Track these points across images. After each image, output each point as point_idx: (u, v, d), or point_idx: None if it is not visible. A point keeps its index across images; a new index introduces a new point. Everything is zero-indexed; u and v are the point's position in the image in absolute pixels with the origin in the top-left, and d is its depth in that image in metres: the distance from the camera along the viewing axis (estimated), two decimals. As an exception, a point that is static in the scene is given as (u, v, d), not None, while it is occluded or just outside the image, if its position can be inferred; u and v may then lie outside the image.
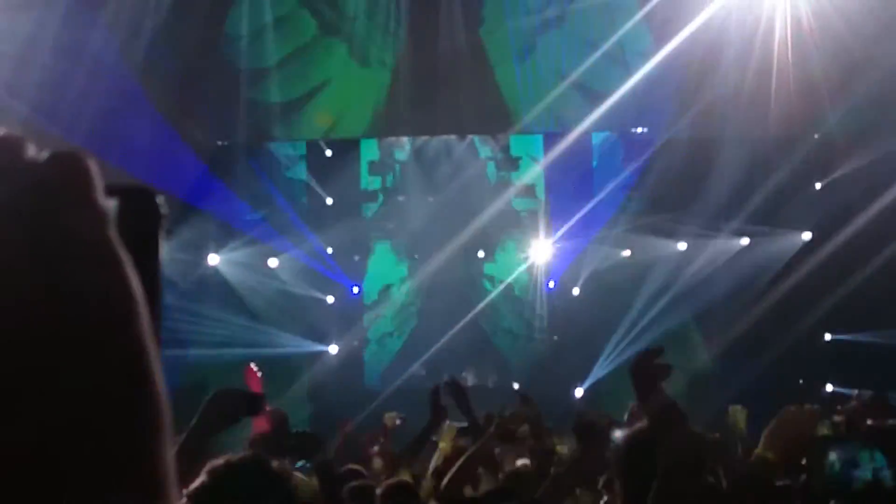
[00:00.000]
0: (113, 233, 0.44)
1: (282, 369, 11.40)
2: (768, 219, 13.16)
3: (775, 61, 12.08)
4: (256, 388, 7.47)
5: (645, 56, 12.32)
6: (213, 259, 12.40)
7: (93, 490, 0.41)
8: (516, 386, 12.44)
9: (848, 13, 11.38)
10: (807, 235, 13.08)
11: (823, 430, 4.02)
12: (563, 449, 5.01)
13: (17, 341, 0.40)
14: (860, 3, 11.33)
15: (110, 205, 0.45)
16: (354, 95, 12.58)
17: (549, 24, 12.84)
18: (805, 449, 2.75)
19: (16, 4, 10.69)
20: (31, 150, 0.45)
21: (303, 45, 12.41)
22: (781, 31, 12.01)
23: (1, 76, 10.64)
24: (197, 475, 2.41)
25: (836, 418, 4.40)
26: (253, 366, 7.20)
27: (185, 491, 2.36)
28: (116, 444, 0.41)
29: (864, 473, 2.44)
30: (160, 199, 0.50)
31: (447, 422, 5.20)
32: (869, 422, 3.36)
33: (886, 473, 2.39)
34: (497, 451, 4.87)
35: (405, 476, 4.74)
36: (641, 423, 2.71)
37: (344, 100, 12.60)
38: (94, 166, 0.45)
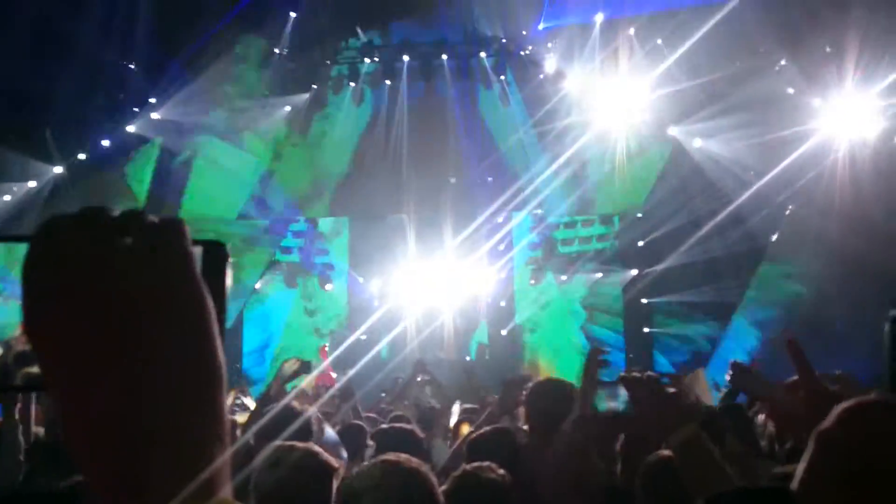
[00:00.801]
0: (196, 269, 0.66)
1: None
2: (612, 262, 18.62)
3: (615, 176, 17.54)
4: (324, 356, 13.34)
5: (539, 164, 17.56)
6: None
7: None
8: (467, 358, 17.56)
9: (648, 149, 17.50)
10: (633, 271, 18.43)
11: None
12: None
13: (138, 324, 0.62)
14: (659, 146, 18.22)
15: (197, 250, 0.67)
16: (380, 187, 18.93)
17: (486, 148, 18.73)
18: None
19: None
20: (148, 216, 0.66)
21: (347, 157, 19.49)
22: (620, 162, 17.26)
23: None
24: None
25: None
26: (325, 345, 13.08)
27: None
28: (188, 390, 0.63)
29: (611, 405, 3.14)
30: (227, 248, 0.72)
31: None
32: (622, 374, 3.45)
33: (623, 406, 3.05)
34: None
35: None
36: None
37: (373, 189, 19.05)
38: (186, 226, 0.66)
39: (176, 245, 0.65)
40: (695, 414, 2.87)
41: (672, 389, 2.56)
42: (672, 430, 2.33)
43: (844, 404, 1.48)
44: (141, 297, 0.62)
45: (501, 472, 2.89)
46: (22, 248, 0.65)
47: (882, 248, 13.69)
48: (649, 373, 2.72)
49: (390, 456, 2.50)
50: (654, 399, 2.48)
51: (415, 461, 2.47)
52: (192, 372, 0.63)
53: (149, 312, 0.62)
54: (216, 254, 0.70)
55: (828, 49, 15.50)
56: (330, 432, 4.28)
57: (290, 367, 4.65)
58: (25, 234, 0.66)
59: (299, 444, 2.85)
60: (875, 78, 14.04)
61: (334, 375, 9.48)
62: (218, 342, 0.64)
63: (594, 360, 3.41)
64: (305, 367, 4.75)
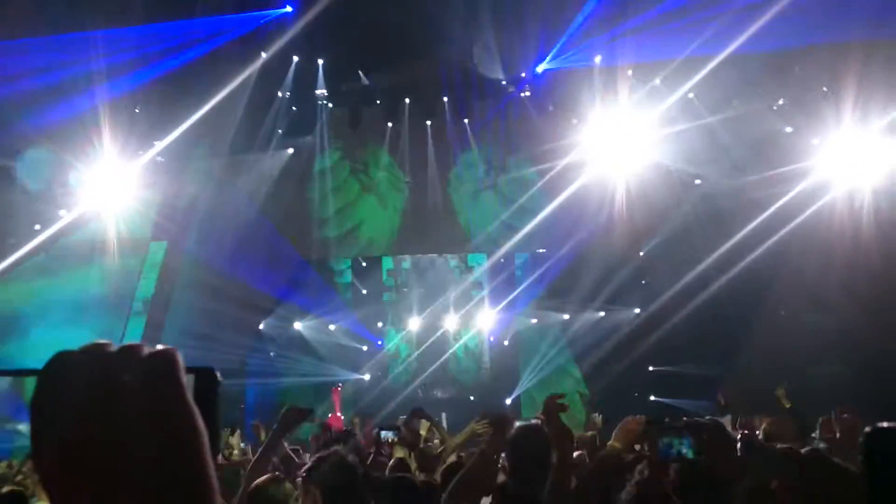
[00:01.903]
0: (188, 394, 0.71)
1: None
2: (613, 301, 18.62)
3: (617, 213, 17.32)
4: (336, 397, 13.42)
5: (541, 206, 17.49)
6: (297, 325, 19.03)
7: None
8: (472, 398, 18.24)
9: (651, 190, 17.06)
10: (637, 310, 18.74)
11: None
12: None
13: (138, 450, 0.67)
14: (658, 183, 17.02)
15: (188, 378, 0.72)
16: (380, 227, 19.27)
17: (488, 187, 19.34)
18: (639, 438, 3.32)
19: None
20: (145, 350, 0.72)
21: (350, 199, 19.24)
22: (618, 200, 17.15)
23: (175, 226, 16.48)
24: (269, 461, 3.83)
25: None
26: (338, 386, 13.00)
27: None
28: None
29: (679, 450, 3.13)
30: (217, 375, 0.76)
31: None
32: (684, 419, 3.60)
33: (688, 451, 3.09)
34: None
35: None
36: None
37: (373, 230, 19.31)
38: (178, 357, 0.72)
39: (169, 378, 0.71)
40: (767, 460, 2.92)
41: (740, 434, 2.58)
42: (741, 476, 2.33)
43: None
44: (139, 428, 0.68)
45: None
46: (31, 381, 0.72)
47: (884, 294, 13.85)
48: (715, 419, 2.73)
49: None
50: (723, 445, 2.48)
51: None
52: (187, 494, 0.69)
53: (147, 442, 0.68)
54: (207, 380, 0.76)
55: (825, 89, 15.68)
56: None
57: (291, 416, 4.63)
58: (34, 369, 0.72)
59: None
60: (873, 117, 14.12)
61: (342, 417, 9.90)
62: (210, 465, 0.70)
63: (552, 407, 3.51)
64: (306, 415, 4.73)
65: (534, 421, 3.83)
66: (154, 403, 0.69)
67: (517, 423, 3.85)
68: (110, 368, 0.70)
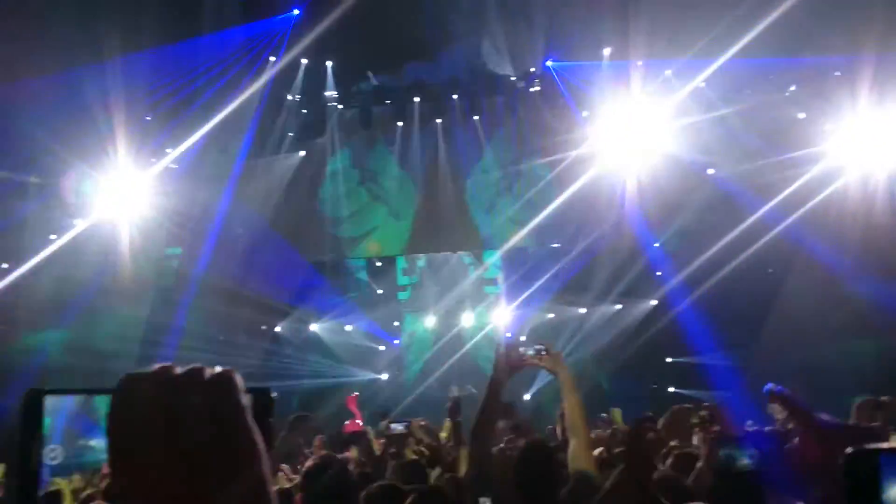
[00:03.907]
0: (248, 414, 0.77)
1: (354, 387, 16.48)
2: (630, 294, 18.66)
3: (627, 211, 17.30)
4: (353, 405, 13.39)
5: (552, 198, 17.40)
6: (314, 327, 19.08)
7: None
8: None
9: (663, 181, 16.78)
10: (653, 302, 18.63)
11: (694, 418, 4.92)
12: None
13: (204, 469, 0.73)
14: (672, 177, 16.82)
15: (247, 398, 0.78)
16: (391, 234, 19.33)
17: (501, 191, 19.22)
18: (688, 431, 3.56)
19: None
20: (207, 373, 0.77)
21: (360, 207, 19.24)
22: (631, 193, 17.12)
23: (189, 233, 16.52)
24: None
25: (702, 413, 5.00)
26: (354, 394, 12.25)
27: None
28: None
29: (739, 460, 3.12)
30: (273, 395, 0.83)
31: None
32: (716, 427, 3.97)
33: (747, 462, 3.07)
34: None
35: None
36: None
37: (385, 237, 19.36)
38: (238, 378, 0.77)
39: (230, 400, 0.78)
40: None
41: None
42: None
43: None
44: (206, 447, 0.74)
45: None
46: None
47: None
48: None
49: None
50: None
51: None
52: None
53: (213, 460, 0.74)
54: (263, 399, 0.83)
55: (837, 73, 15.57)
56: None
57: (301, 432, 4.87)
58: (106, 389, 0.79)
59: None
60: (886, 102, 14.02)
61: (360, 423, 9.91)
62: (269, 481, 0.77)
63: (454, 409, 3.68)
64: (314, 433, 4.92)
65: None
66: (219, 425, 0.76)
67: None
68: (177, 392, 0.76)
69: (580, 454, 3.67)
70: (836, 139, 15.24)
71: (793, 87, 16.44)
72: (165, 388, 0.76)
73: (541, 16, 15.65)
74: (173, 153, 14.68)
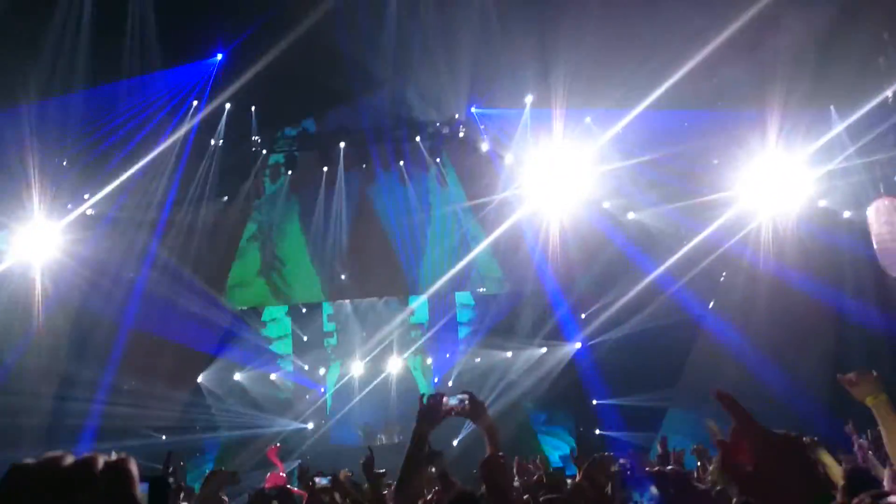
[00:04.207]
0: None
1: (278, 437, 16.97)
2: (554, 336, 18.86)
3: (549, 251, 17.30)
4: (273, 456, 13.22)
5: (476, 243, 17.90)
6: (238, 376, 18.62)
7: None
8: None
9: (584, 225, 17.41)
10: (577, 345, 18.88)
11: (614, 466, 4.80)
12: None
13: None
14: (591, 219, 17.58)
15: (142, 489, 0.78)
16: (319, 277, 19.17)
17: (426, 236, 19.10)
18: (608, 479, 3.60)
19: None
20: (100, 463, 0.76)
21: (283, 254, 19.14)
22: (553, 237, 17.12)
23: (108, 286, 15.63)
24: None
25: (622, 461, 4.86)
26: (275, 445, 12.44)
27: None
28: None
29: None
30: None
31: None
32: (647, 469, 3.92)
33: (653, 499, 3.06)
34: None
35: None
36: None
37: (308, 283, 19.26)
38: (133, 468, 0.76)
39: (123, 493, 0.75)
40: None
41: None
42: None
43: None
44: None
45: None
46: None
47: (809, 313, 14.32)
48: (676, 468, 2.74)
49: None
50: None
51: None
52: None
53: None
54: (160, 487, 0.83)
55: (748, 118, 16.22)
56: None
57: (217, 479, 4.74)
58: None
59: None
60: (796, 145, 14.67)
61: (284, 475, 9.73)
62: None
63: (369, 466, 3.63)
64: (230, 480, 4.86)
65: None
66: None
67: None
68: (66, 489, 0.72)
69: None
70: (747, 184, 15.82)
71: (707, 136, 17.03)
72: (53, 484, 0.71)
73: (465, 63, 15.86)
74: (91, 200, 14.25)
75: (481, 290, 19.38)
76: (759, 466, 1.32)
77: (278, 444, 14.45)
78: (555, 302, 18.62)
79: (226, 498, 5.82)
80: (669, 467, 2.81)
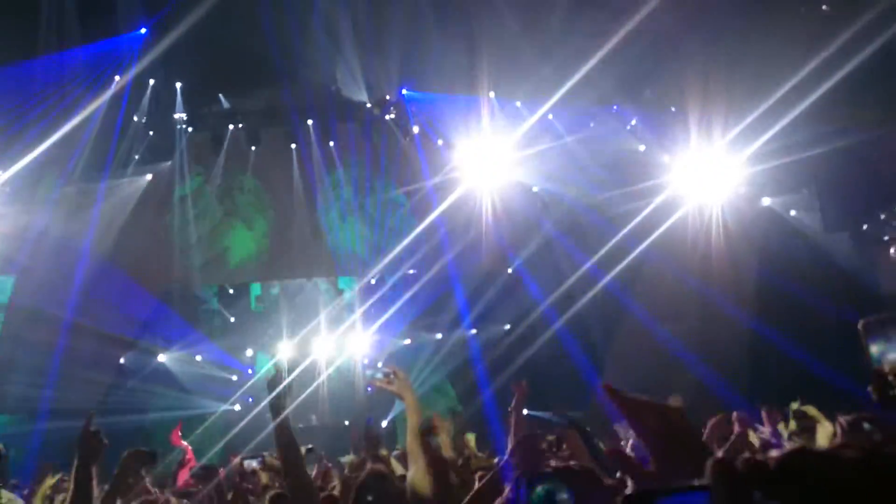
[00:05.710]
0: None
1: (204, 420, 16.92)
2: (484, 319, 18.96)
3: (484, 233, 17.93)
4: (176, 438, 13.06)
5: (407, 225, 18.24)
6: (162, 357, 18.24)
7: None
8: (346, 423, 17.71)
9: (515, 208, 18.01)
10: (507, 326, 19.19)
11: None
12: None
13: None
14: (522, 202, 18.28)
15: None
16: (245, 255, 18.81)
17: (356, 218, 19.03)
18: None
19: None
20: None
21: (212, 228, 18.60)
22: (486, 217, 17.67)
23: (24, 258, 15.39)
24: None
25: (549, 438, 5.35)
26: (178, 426, 12.65)
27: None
28: None
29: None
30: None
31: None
32: (553, 463, 3.68)
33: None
34: None
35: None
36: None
37: (239, 258, 18.81)
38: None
39: None
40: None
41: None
42: None
43: None
44: None
45: None
46: None
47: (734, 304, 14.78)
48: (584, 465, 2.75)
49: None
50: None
51: None
52: None
53: None
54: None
55: (673, 109, 16.60)
56: None
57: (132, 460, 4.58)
58: None
59: None
60: (717, 136, 15.02)
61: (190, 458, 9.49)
62: None
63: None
64: (147, 460, 4.64)
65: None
66: None
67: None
68: None
69: (419, 480, 3.68)
70: (674, 171, 16.16)
71: (634, 121, 17.35)
72: None
73: (396, 45, 15.81)
74: (3, 175, 13.76)
75: (411, 271, 19.10)
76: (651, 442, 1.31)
77: (179, 423, 14.28)
78: (485, 284, 18.64)
79: (144, 474, 5.51)
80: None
